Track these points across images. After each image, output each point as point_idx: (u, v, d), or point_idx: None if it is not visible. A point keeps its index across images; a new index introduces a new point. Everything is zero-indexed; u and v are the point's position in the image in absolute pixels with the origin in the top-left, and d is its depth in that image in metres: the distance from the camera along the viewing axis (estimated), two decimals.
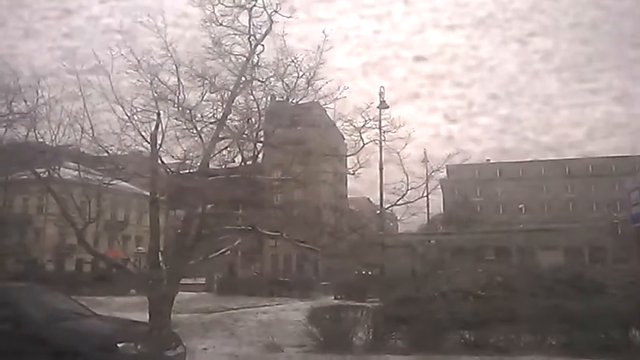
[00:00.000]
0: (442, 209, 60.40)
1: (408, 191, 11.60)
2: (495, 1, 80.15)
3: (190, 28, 11.53)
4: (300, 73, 10.92)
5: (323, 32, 10.85)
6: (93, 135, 11.10)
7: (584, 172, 62.91)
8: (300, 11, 10.84)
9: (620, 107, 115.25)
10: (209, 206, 11.68)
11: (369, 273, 32.60)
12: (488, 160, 63.28)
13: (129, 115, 10.71)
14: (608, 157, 59.69)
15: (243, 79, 10.99)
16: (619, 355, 8.94)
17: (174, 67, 10.68)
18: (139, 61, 10.45)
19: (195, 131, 10.99)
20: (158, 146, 10.84)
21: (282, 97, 11.68)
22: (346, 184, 46.18)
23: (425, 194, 12.31)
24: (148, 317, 10.20)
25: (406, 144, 11.97)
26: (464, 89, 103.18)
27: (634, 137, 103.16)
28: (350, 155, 12.08)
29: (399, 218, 34.09)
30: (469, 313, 10.72)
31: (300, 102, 11.65)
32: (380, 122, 11.97)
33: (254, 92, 11.30)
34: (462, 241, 41.69)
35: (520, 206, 64.16)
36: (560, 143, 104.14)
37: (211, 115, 11.17)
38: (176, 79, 10.73)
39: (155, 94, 10.71)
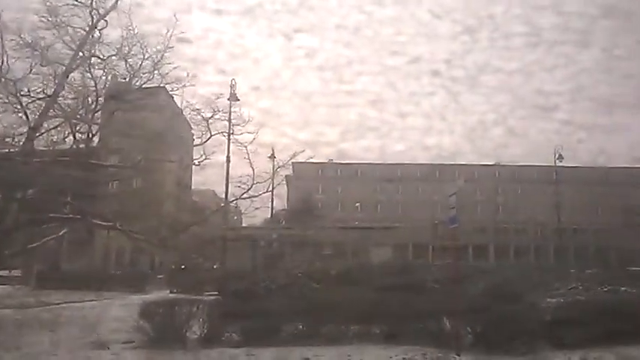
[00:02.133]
0: (286, 205, 61.96)
1: (254, 185, 11.66)
2: None
3: None
4: (146, 55, 10.40)
5: (174, 16, 10.48)
6: None
7: (412, 176, 68.83)
8: None
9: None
10: (31, 191, 10.53)
11: (213, 266, 32.17)
12: (331, 160, 66.25)
13: None
14: (434, 164, 66.07)
15: (80, 54, 10.14)
16: (434, 342, 9.96)
17: None
18: None
19: (19, 107, 9.88)
20: None
21: (125, 78, 11.00)
22: (191, 175, 44.97)
23: (270, 189, 12.48)
24: None
25: (254, 138, 12.05)
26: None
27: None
28: (196, 145, 11.82)
29: (243, 212, 34.19)
30: (304, 305, 11.17)
31: (144, 85, 11.07)
32: (230, 115, 11.95)
33: (93, 70, 10.51)
34: (303, 236, 43.10)
35: (356, 205, 68.25)
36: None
37: (40, 90, 10.15)
38: None
39: None
